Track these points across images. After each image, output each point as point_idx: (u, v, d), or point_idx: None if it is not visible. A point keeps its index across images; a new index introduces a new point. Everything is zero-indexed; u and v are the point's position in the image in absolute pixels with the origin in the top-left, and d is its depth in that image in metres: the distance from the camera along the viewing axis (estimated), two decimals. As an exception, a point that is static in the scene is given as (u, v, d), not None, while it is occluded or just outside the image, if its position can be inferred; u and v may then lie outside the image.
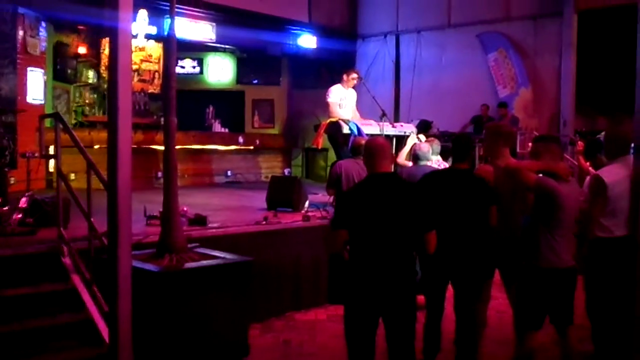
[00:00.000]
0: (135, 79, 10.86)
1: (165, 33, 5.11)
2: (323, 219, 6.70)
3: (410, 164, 6.58)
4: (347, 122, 7.98)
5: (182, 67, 13.78)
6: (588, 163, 5.86)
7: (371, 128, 7.91)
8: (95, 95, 11.54)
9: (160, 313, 4.26)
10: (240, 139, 12.47)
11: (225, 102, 14.03)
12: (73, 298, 4.47)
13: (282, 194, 7.51)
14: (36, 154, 5.96)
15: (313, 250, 6.33)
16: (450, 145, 4.65)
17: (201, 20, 11.03)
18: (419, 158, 6.08)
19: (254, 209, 7.58)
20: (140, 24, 10.24)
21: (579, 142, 7.21)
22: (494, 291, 4.81)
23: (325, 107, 8.37)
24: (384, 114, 7.95)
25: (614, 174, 4.14)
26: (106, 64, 9.94)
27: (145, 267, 4.36)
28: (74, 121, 10.97)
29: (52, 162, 8.43)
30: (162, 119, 5.75)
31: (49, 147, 6.23)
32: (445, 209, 4.12)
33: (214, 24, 11.25)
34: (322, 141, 8.58)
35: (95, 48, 11.24)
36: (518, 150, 9.88)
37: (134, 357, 3.81)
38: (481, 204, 4.27)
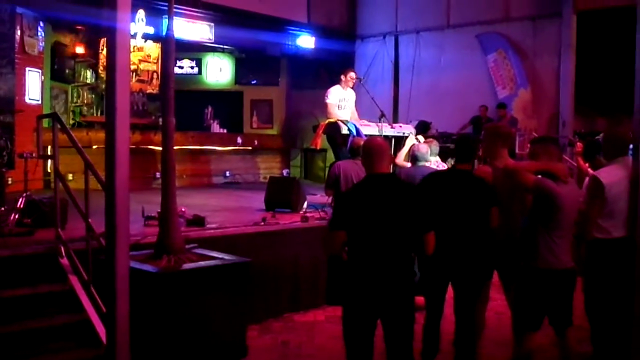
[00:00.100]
0: (134, 79, 10.83)
1: (164, 33, 5.09)
2: (321, 219, 6.68)
3: (408, 164, 6.59)
4: (345, 122, 7.98)
5: (181, 67, 13.76)
6: (587, 164, 5.85)
7: (370, 129, 7.90)
8: (93, 96, 11.54)
9: (158, 314, 4.25)
10: (239, 140, 12.46)
11: (224, 102, 14.02)
12: (71, 299, 4.46)
13: (281, 194, 7.50)
14: (34, 154, 5.94)
15: (311, 251, 6.30)
16: (450, 146, 4.64)
17: (199, 20, 11.02)
18: (418, 159, 6.09)
19: (253, 209, 7.57)
20: (139, 24, 10.22)
21: (578, 143, 7.21)
22: (493, 292, 4.80)
23: (324, 107, 8.38)
24: (382, 115, 7.96)
25: (612, 174, 4.13)
26: (104, 64, 9.89)
27: (143, 268, 4.36)
28: (71, 121, 10.98)
29: (49, 163, 8.46)
30: (161, 120, 5.73)
31: (46, 147, 6.22)
32: (447, 210, 4.11)
33: (212, 24, 11.24)
34: (321, 142, 8.58)
35: (93, 48, 11.24)
36: (517, 151, 9.86)
37: (132, 358, 3.79)
38: (482, 205, 4.25)
